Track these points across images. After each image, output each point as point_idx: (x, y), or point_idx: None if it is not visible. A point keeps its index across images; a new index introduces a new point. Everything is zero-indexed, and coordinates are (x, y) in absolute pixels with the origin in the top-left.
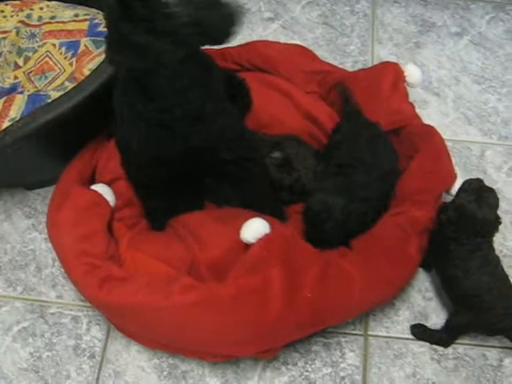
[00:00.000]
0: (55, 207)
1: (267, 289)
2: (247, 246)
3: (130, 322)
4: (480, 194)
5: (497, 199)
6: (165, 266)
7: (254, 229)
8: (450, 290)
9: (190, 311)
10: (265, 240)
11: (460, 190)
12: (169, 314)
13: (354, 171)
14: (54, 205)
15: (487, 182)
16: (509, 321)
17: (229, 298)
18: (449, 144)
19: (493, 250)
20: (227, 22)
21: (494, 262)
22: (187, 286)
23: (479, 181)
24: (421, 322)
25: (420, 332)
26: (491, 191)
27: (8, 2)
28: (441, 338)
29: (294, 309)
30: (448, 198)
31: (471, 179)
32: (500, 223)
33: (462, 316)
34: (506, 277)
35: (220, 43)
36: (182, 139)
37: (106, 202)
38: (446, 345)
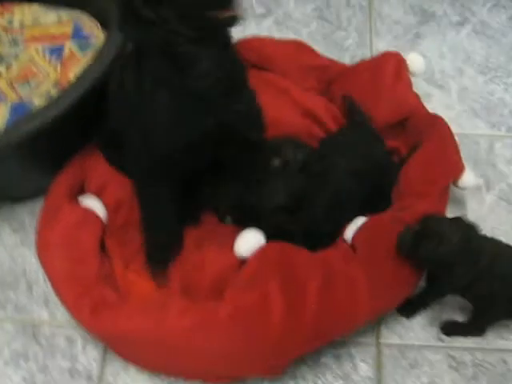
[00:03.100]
0: (44, 225)
1: (266, 305)
2: (244, 262)
3: (125, 348)
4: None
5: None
6: (159, 288)
7: (248, 241)
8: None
9: (187, 335)
10: (259, 253)
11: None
12: (166, 340)
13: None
14: (43, 223)
15: (497, 177)
16: None
17: (227, 318)
18: (455, 138)
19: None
20: None
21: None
22: (183, 308)
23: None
24: (435, 326)
25: (452, 328)
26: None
27: None
28: (475, 327)
29: (297, 323)
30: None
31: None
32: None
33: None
34: None
35: None
36: (216, 112)
37: (97, 218)
38: (482, 332)
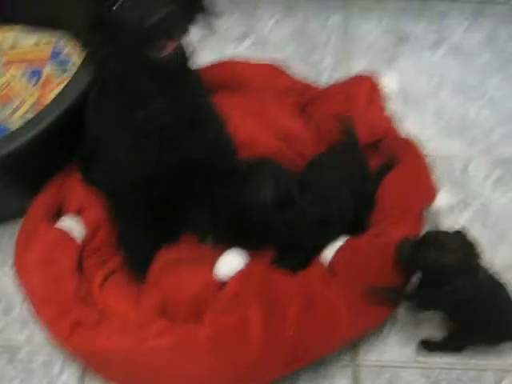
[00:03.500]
0: (22, 247)
1: (246, 328)
2: (223, 283)
3: (104, 367)
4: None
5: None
6: (138, 309)
7: (228, 263)
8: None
9: (166, 355)
10: (239, 276)
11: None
12: (145, 358)
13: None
14: (20, 244)
15: (472, 197)
16: None
17: (206, 340)
18: (430, 159)
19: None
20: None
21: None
22: (162, 328)
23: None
24: (411, 344)
25: (430, 346)
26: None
27: None
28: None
29: (275, 347)
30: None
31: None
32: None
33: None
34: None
35: None
36: (176, 150)
37: (74, 239)
38: (460, 350)
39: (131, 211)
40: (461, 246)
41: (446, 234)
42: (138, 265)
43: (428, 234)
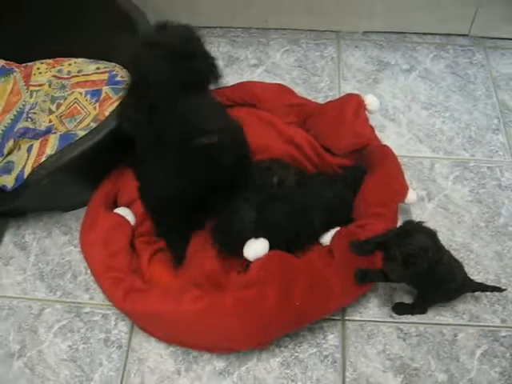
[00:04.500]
0: (86, 229)
1: (262, 300)
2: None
3: (149, 326)
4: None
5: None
6: (176, 280)
7: (255, 249)
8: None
9: (198, 316)
10: (263, 261)
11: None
12: (181, 319)
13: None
14: (85, 227)
15: (437, 190)
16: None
17: (230, 305)
18: (404, 160)
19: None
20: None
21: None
22: (195, 296)
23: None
24: (388, 306)
25: (401, 309)
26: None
27: (43, 61)
28: (419, 308)
29: (285, 313)
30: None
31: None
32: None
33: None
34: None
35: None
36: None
37: (128, 222)
38: (425, 311)
39: (163, 214)
40: (426, 234)
41: (414, 225)
42: (175, 251)
43: (403, 225)
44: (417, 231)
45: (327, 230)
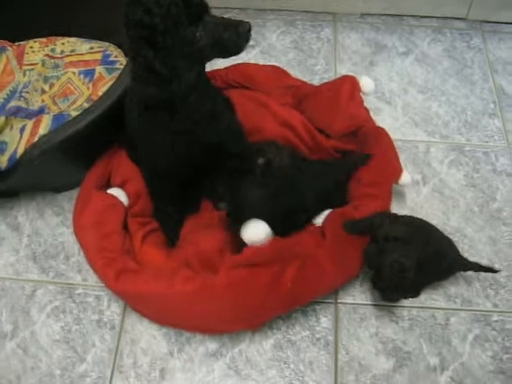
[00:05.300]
0: (79, 210)
1: (254, 281)
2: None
3: (141, 306)
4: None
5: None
6: (169, 261)
7: (255, 231)
8: None
9: (189, 298)
10: (256, 248)
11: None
12: (172, 300)
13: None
14: (77, 208)
15: (432, 174)
16: None
17: (221, 286)
18: (399, 143)
19: None
20: (241, 39)
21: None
22: (187, 277)
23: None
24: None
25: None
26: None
27: (36, 40)
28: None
29: (275, 295)
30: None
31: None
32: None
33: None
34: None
35: (232, 56)
36: (200, 138)
37: (121, 203)
38: (417, 295)
39: (164, 185)
40: (411, 222)
41: (400, 216)
42: (170, 232)
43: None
44: (395, 228)
45: (321, 211)
